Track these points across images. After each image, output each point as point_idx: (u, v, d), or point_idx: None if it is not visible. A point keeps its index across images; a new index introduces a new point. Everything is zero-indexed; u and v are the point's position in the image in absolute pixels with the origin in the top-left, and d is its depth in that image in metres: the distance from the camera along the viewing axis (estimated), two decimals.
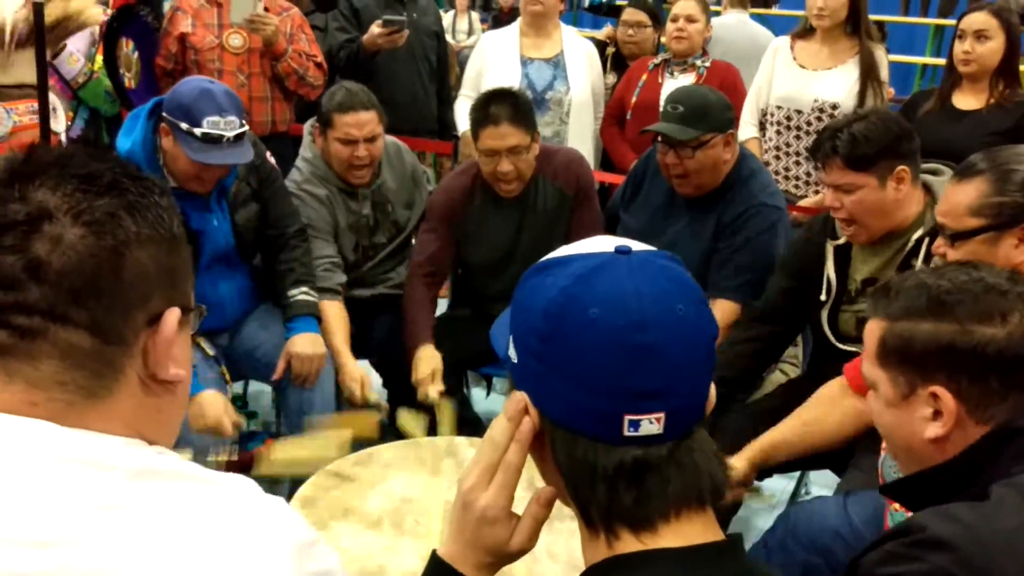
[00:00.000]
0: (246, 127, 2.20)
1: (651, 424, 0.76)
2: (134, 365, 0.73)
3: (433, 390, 2.29)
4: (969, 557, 0.92)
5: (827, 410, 1.83)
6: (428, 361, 2.36)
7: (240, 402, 2.96)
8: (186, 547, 0.65)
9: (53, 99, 2.06)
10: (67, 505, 0.63)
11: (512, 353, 0.82)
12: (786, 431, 1.85)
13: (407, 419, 2.17)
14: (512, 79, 3.21)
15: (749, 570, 0.80)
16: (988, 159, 1.56)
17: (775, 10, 7.49)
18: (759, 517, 2.58)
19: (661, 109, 2.47)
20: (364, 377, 2.36)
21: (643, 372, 0.75)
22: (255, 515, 0.71)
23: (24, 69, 1.91)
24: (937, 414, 1.09)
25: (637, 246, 0.81)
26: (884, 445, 1.56)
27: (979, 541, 0.93)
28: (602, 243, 0.82)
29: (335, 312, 2.49)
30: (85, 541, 0.62)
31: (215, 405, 2.10)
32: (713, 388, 0.81)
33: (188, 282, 0.79)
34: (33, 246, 0.68)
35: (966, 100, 2.84)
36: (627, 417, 0.75)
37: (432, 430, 2.17)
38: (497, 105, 2.39)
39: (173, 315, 0.75)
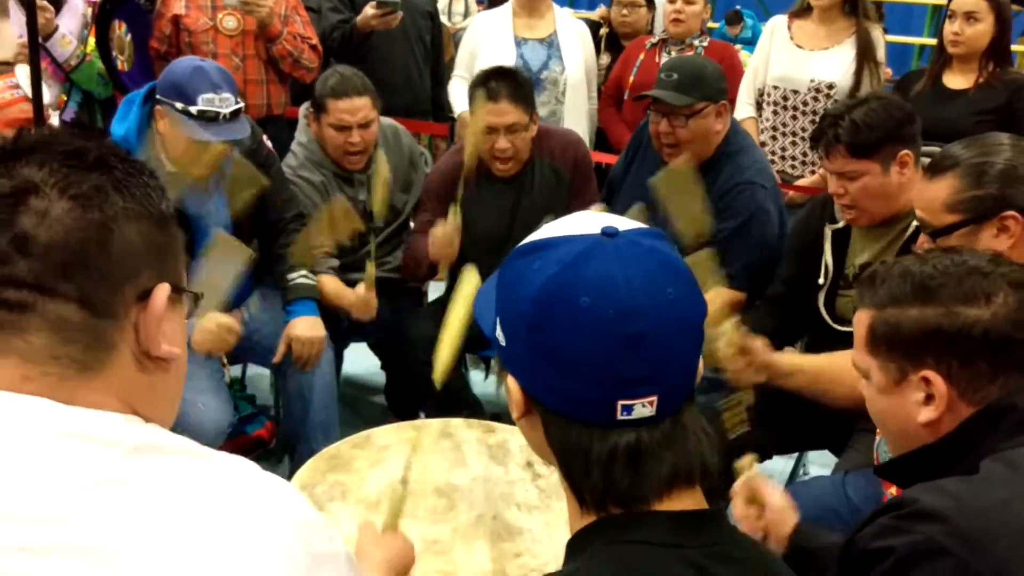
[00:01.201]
0: (241, 104, 2.18)
1: (644, 408, 0.76)
2: (126, 340, 0.73)
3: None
4: (959, 527, 0.93)
5: (845, 368, 1.82)
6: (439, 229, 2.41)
7: (238, 386, 2.96)
8: (187, 523, 0.65)
9: (27, 70, 2.02)
10: (65, 481, 0.63)
11: (499, 335, 0.82)
12: (813, 362, 1.84)
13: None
14: (506, 60, 3.20)
15: (730, 535, 0.82)
16: (962, 151, 1.55)
17: None
18: None
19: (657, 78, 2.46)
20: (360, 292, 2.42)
21: (635, 360, 0.75)
22: (259, 493, 0.71)
23: None
24: (929, 398, 1.11)
25: (623, 225, 0.81)
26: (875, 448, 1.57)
27: (969, 512, 0.95)
28: (588, 222, 0.81)
29: (330, 279, 2.52)
30: (84, 517, 0.62)
31: (215, 319, 2.10)
32: (701, 362, 0.82)
33: (179, 262, 0.79)
34: (19, 220, 0.68)
35: (956, 80, 2.84)
36: (620, 403, 0.76)
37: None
38: (497, 82, 2.38)
39: (163, 290, 0.75)
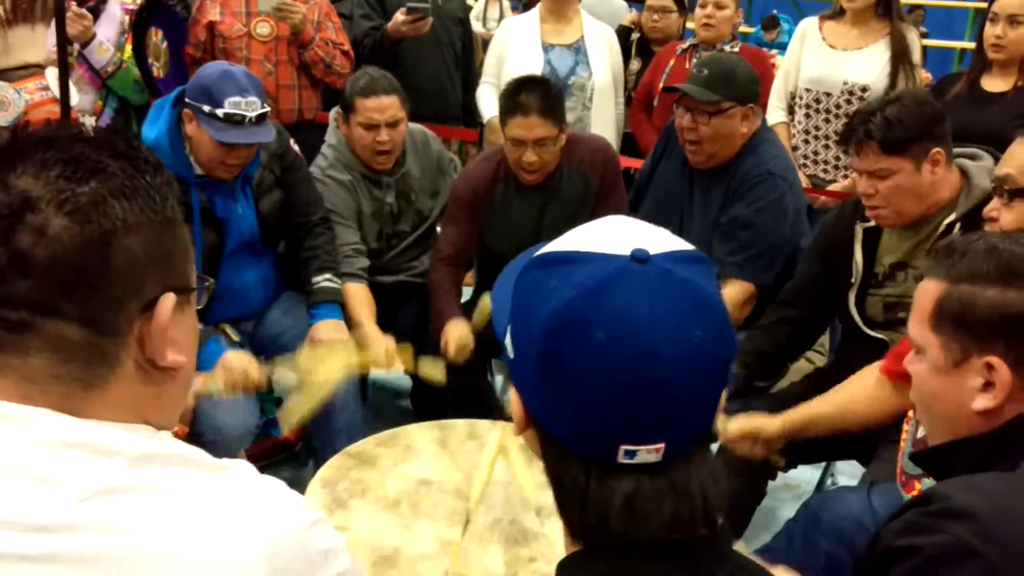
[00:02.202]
0: (267, 109, 2.21)
1: (649, 454, 0.71)
2: (130, 353, 0.72)
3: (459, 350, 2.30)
4: (990, 528, 0.88)
5: (861, 393, 1.80)
6: (457, 329, 2.35)
7: (265, 389, 2.99)
8: (187, 530, 0.65)
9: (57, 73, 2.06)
10: (68, 490, 0.63)
11: (509, 344, 0.77)
12: (823, 406, 1.82)
13: (428, 365, 2.17)
14: (534, 66, 3.20)
15: (732, 562, 0.76)
16: None
17: None
18: (783, 507, 2.56)
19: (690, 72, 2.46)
20: (389, 344, 2.32)
21: (648, 406, 0.69)
22: (256, 498, 0.70)
23: (24, 50, 1.92)
24: (988, 385, 1.05)
25: (656, 246, 0.73)
26: (906, 427, 1.53)
27: (1002, 512, 0.90)
28: (619, 237, 0.74)
29: (359, 292, 2.49)
30: (86, 526, 0.62)
31: (240, 358, 2.08)
32: (723, 397, 0.75)
33: (187, 263, 0.77)
34: (17, 238, 0.66)
35: (995, 83, 2.78)
36: (623, 447, 0.70)
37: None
38: (528, 94, 2.37)
39: (168, 300, 0.73)
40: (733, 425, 1.82)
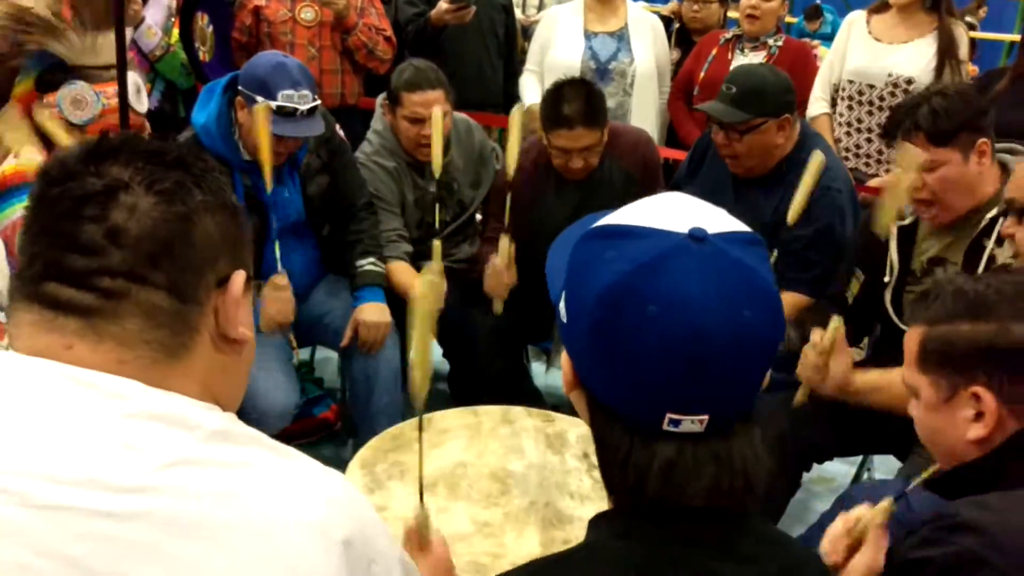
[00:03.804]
0: (318, 102, 2.25)
1: (692, 424, 0.73)
2: (207, 324, 0.78)
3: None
4: (999, 540, 0.94)
5: None
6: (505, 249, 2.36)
7: (306, 368, 3.04)
8: (251, 505, 0.70)
9: (136, 78, 2.13)
10: (149, 457, 0.68)
11: (563, 309, 0.80)
12: (887, 380, 1.81)
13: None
14: (576, 53, 3.20)
15: (755, 533, 0.80)
16: None
17: None
18: (818, 500, 2.56)
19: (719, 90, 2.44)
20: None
21: (694, 381, 0.72)
22: (318, 487, 0.75)
23: (112, 50, 1.99)
24: (979, 415, 1.11)
25: (714, 226, 0.74)
26: None
27: (1008, 525, 0.96)
28: (678, 213, 0.75)
29: (404, 268, 2.55)
30: (161, 490, 0.67)
31: (274, 299, 2.21)
32: (768, 376, 0.77)
33: (248, 252, 0.85)
34: (112, 214, 0.74)
35: None
36: (669, 415, 0.73)
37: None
38: (570, 104, 2.36)
39: (240, 276, 0.81)
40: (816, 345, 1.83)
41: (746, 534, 0.79)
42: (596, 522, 0.82)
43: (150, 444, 0.69)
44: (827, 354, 1.82)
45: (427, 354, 1.20)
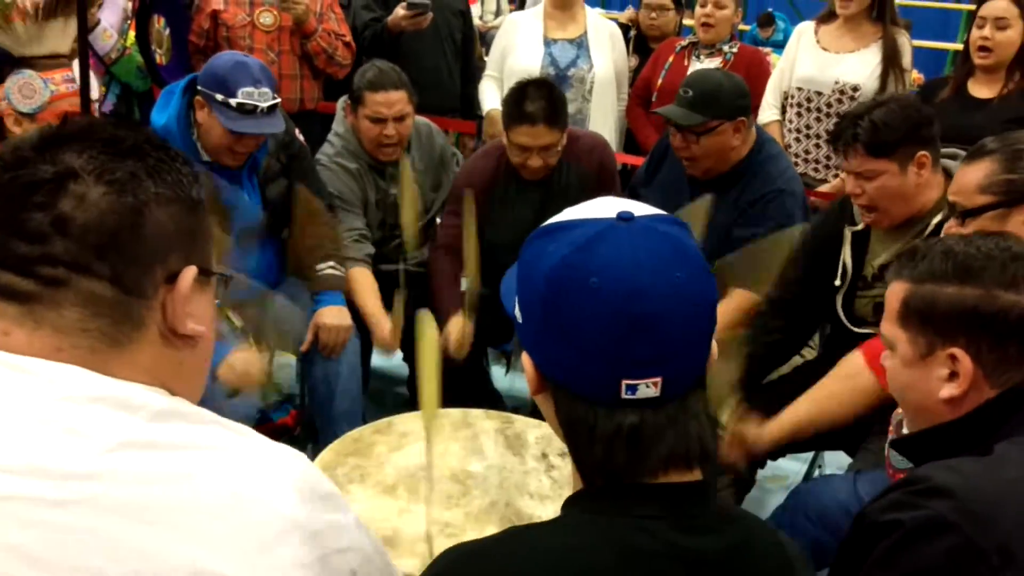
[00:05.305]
0: (278, 100, 2.25)
1: (648, 388, 0.79)
2: (154, 318, 0.77)
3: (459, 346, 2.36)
4: (967, 504, 0.95)
5: (844, 385, 1.86)
6: (458, 325, 2.40)
7: None
8: (205, 485, 0.69)
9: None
10: (92, 441, 0.68)
11: (518, 313, 0.86)
12: (807, 409, 1.89)
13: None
14: (535, 59, 3.24)
15: (717, 507, 0.85)
16: (998, 141, 1.59)
17: None
18: (772, 497, 2.62)
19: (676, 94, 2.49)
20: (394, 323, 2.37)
21: (642, 340, 0.78)
22: (275, 461, 0.75)
23: (56, 40, 1.98)
24: (953, 375, 1.12)
25: (641, 211, 0.83)
26: (891, 427, 1.59)
27: (979, 490, 0.97)
28: (606, 207, 0.84)
29: (364, 276, 2.54)
30: (107, 476, 0.67)
31: (244, 359, 2.12)
32: (715, 344, 0.84)
33: (209, 245, 0.84)
34: (60, 203, 0.73)
35: (981, 89, 2.81)
36: (624, 382, 0.78)
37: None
38: (533, 102, 2.40)
39: (190, 272, 0.79)
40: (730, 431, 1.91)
41: (706, 508, 0.83)
42: (569, 501, 0.87)
43: (93, 428, 0.68)
44: (736, 432, 1.90)
45: (435, 397, 1.27)
